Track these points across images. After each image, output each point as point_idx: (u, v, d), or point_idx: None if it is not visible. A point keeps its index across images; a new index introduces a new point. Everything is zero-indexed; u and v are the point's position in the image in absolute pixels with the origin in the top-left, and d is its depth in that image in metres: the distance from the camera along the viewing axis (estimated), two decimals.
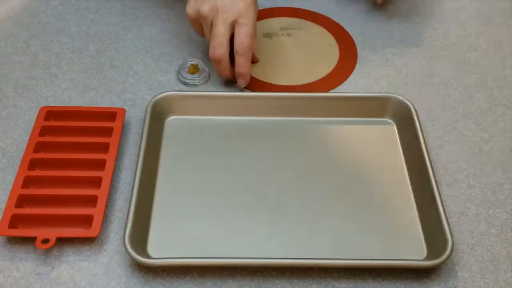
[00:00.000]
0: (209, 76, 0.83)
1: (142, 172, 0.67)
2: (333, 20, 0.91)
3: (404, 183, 0.70)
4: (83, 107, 0.78)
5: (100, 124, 0.74)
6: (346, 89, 0.81)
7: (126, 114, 0.76)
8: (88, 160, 0.70)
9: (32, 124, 0.74)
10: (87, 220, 0.64)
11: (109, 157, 0.70)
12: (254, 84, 0.81)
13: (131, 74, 0.83)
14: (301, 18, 0.91)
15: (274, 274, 0.63)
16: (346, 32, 0.90)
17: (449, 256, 0.61)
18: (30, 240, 0.64)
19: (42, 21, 0.91)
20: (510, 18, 0.95)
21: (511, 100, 0.82)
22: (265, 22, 0.90)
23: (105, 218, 0.67)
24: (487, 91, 0.83)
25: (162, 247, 0.64)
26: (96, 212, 0.65)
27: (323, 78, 0.82)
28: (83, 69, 0.84)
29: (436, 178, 0.68)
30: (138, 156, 0.69)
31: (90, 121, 0.75)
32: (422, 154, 0.70)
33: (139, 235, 0.64)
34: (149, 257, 0.62)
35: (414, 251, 0.64)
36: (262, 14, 0.90)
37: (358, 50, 0.87)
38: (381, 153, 0.74)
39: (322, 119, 0.77)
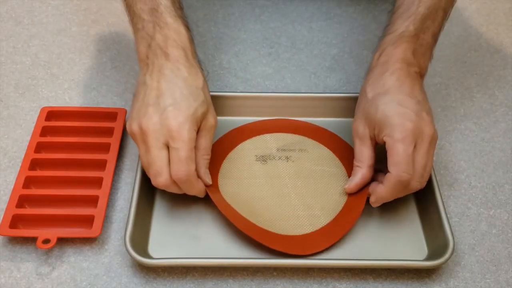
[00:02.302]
0: (210, 76, 0.83)
1: (143, 172, 0.67)
2: (339, 137, 0.75)
3: None
4: (84, 107, 0.78)
5: (101, 125, 0.74)
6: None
7: (127, 114, 0.76)
8: (89, 160, 0.70)
9: (33, 124, 0.74)
10: (88, 220, 0.64)
11: (110, 157, 0.70)
12: (240, 230, 0.65)
13: (132, 74, 0.83)
14: (302, 134, 0.75)
15: (275, 274, 0.63)
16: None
17: (450, 257, 0.61)
18: (31, 240, 0.64)
19: (43, 21, 0.91)
20: (510, 18, 0.95)
21: (511, 100, 0.82)
22: (259, 140, 0.75)
23: (106, 218, 0.67)
24: (487, 91, 0.83)
25: (163, 248, 0.64)
26: (97, 212, 0.65)
27: (329, 225, 0.66)
28: (84, 69, 0.84)
29: (437, 178, 0.68)
30: (139, 156, 0.69)
31: (91, 121, 0.75)
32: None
33: (140, 236, 0.64)
34: (149, 257, 0.62)
35: (415, 252, 0.64)
36: (256, 128, 0.76)
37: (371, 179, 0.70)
38: (381, 153, 0.74)
39: (322, 119, 0.77)
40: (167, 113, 0.61)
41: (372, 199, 0.65)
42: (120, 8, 0.93)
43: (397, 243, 0.65)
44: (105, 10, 0.94)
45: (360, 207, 0.66)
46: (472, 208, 0.69)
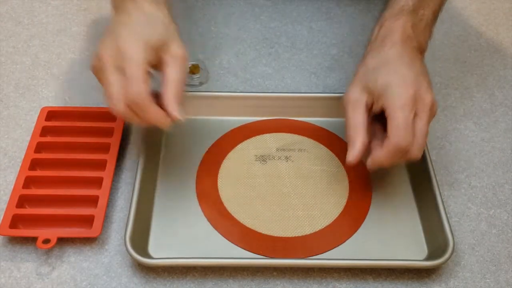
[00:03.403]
0: (210, 76, 0.83)
1: (143, 172, 0.68)
2: (339, 137, 0.75)
3: (404, 183, 0.70)
4: (84, 107, 0.78)
5: (101, 125, 0.74)
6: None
7: None
8: (89, 160, 0.70)
9: (33, 124, 0.74)
10: (88, 220, 0.64)
11: (110, 157, 0.70)
12: (239, 235, 0.65)
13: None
14: (302, 134, 0.75)
15: (275, 274, 0.63)
16: None
17: (450, 257, 0.61)
18: (31, 240, 0.64)
19: (43, 21, 0.91)
20: (510, 18, 0.95)
21: (511, 100, 0.82)
22: (259, 140, 0.75)
23: (106, 218, 0.67)
24: (487, 91, 0.83)
25: (163, 247, 0.64)
26: (97, 212, 0.65)
27: (329, 227, 0.66)
28: (84, 69, 0.84)
29: (437, 178, 0.68)
30: (139, 156, 0.69)
31: (91, 122, 0.75)
32: (423, 154, 0.70)
33: (140, 235, 0.64)
34: (150, 257, 0.62)
35: (415, 251, 0.64)
36: (256, 128, 0.76)
37: (371, 179, 0.71)
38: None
39: (322, 119, 0.77)
40: (120, 37, 0.60)
41: (368, 162, 0.63)
42: None
43: (397, 243, 0.65)
44: (105, 10, 0.94)
45: (363, 214, 0.67)
46: (472, 208, 0.69)
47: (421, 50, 0.68)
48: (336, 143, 0.74)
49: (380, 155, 0.62)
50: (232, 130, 0.76)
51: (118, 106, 0.59)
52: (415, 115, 0.61)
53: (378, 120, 0.64)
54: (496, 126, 0.78)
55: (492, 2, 0.97)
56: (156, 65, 0.61)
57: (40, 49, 0.87)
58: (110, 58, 0.59)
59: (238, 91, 0.81)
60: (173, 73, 0.61)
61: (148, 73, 0.59)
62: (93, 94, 0.80)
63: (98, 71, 0.61)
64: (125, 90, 0.58)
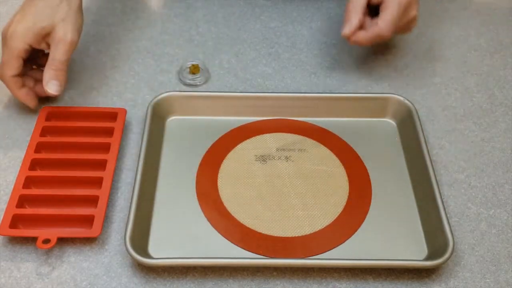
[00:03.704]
0: (210, 76, 0.83)
1: (143, 172, 0.68)
2: (339, 137, 0.75)
3: (404, 183, 0.70)
4: (84, 107, 0.78)
5: (101, 125, 0.74)
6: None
7: (127, 115, 0.76)
8: (89, 160, 0.70)
9: (33, 124, 0.74)
10: (88, 220, 0.64)
11: (110, 157, 0.70)
12: (239, 235, 0.65)
13: (132, 74, 0.83)
14: (302, 134, 0.75)
15: (275, 274, 0.63)
16: (354, 152, 0.74)
17: (450, 256, 0.61)
18: (31, 240, 0.64)
19: None
20: (510, 18, 0.95)
21: (511, 100, 0.82)
22: (259, 140, 0.75)
23: (106, 218, 0.67)
24: (487, 91, 0.83)
25: (163, 247, 0.64)
26: (97, 212, 0.65)
27: (329, 226, 0.66)
28: (84, 69, 0.84)
29: (437, 178, 0.68)
30: (139, 156, 0.69)
31: (91, 122, 0.75)
32: (422, 154, 0.70)
33: (140, 235, 0.64)
34: (150, 257, 0.62)
35: (414, 251, 0.64)
36: (256, 128, 0.76)
37: (371, 179, 0.71)
38: (381, 154, 0.74)
39: (322, 119, 0.77)
40: (10, 22, 0.73)
41: (346, 31, 0.76)
42: (120, 8, 0.94)
43: (397, 243, 0.65)
44: (105, 10, 0.94)
45: (363, 214, 0.67)
46: (472, 208, 0.69)
47: None
48: (336, 143, 0.74)
49: (362, 36, 0.75)
50: (232, 130, 0.76)
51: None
52: (405, 9, 0.75)
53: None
54: (496, 126, 0.78)
55: (492, 2, 0.97)
56: (43, 45, 0.73)
57: None
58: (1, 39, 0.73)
59: (238, 91, 0.81)
60: (54, 54, 0.72)
61: (27, 52, 0.72)
62: (93, 94, 0.81)
63: None
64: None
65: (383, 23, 0.74)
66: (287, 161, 0.72)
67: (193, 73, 0.82)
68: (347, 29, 0.75)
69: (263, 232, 0.65)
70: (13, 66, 0.71)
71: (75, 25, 0.73)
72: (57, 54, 0.72)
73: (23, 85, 0.74)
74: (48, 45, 0.73)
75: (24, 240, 0.65)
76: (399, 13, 0.75)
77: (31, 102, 0.75)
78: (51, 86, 0.72)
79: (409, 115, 0.75)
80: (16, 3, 0.94)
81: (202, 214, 0.67)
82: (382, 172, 0.71)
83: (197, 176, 0.70)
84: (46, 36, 0.72)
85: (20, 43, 0.71)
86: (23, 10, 0.73)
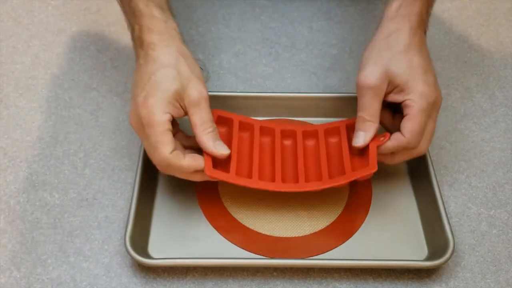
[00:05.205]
0: (210, 76, 0.83)
1: (143, 172, 0.67)
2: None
3: (405, 183, 0.70)
4: None
5: None
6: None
7: (127, 115, 0.76)
8: None
9: (33, 124, 0.74)
10: None
11: None
12: (239, 236, 0.65)
13: (132, 74, 0.83)
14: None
15: (275, 275, 0.63)
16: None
17: (450, 257, 0.61)
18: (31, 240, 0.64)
19: (43, 21, 0.91)
20: (510, 18, 0.95)
21: (511, 101, 0.82)
22: None
23: (106, 218, 0.66)
24: (488, 91, 0.83)
25: (163, 248, 0.64)
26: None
27: (329, 226, 0.66)
28: (84, 69, 0.84)
29: (437, 179, 0.68)
30: (139, 156, 0.69)
31: None
32: (423, 154, 0.70)
33: (140, 236, 0.64)
34: (149, 257, 0.62)
35: (415, 252, 0.64)
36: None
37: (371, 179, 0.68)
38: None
39: (322, 119, 0.77)
40: (137, 103, 0.61)
41: (359, 141, 0.65)
42: (120, 8, 0.94)
43: (397, 243, 0.65)
44: (105, 10, 0.94)
45: (363, 214, 0.67)
46: (472, 208, 0.69)
47: (425, 32, 0.69)
48: None
49: (389, 147, 0.64)
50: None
51: (159, 168, 0.63)
52: (429, 116, 0.63)
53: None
54: (496, 126, 0.78)
55: (492, 2, 0.97)
56: (181, 112, 0.63)
57: (40, 49, 0.87)
58: (136, 125, 0.62)
59: (238, 91, 0.81)
60: (196, 119, 0.62)
61: (174, 123, 0.62)
62: (93, 94, 0.80)
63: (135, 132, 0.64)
64: (152, 156, 0.62)
65: (407, 135, 0.63)
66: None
67: None
68: (362, 141, 0.65)
69: (263, 232, 0.65)
70: (166, 141, 0.60)
71: (201, 78, 0.64)
72: (203, 116, 0.62)
73: (183, 155, 0.62)
74: (183, 110, 0.63)
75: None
76: (425, 117, 0.63)
77: (200, 164, 0.62)
78: (222, 147, 0.63)
79: None
80: (16, 3, 0.94)
81: (202, 214, 0.67)
82: (382, 172, 0.71)
83: None
84: (180, 100, 0.62)
85: (162, 114, 0.60)
86: (143, 90, 0.62)
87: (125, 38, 0.89)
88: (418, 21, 0.65)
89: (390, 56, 0.64)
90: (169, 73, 0.62)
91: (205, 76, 0.82)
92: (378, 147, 0.64)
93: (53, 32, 0.90)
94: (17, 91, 0.81)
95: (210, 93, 0.71)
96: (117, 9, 0.93)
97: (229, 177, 0.63)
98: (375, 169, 0.63)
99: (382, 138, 0.64)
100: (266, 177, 0.65)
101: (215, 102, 0.77)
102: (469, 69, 0.86)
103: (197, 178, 0.63)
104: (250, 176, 0.64)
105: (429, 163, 0.69)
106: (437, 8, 0.95)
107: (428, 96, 0.62)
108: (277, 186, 0.64)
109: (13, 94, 0.80)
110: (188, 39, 0.89)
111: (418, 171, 0.70)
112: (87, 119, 0.77)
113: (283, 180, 0.65)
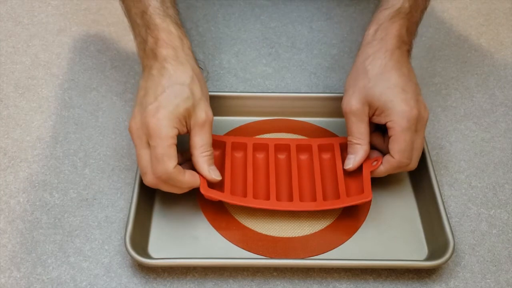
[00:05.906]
0: (210, 76, 0.83)
1: None
2: (338, 137, 0.75)
3: (405, 183, 0.70)
4: None
5: None
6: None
7: (127, 115, 0.76)
8: None
9: (33, 124, 0.74)
10: None
11: None
12: (239, 236, 0.65)
13: (132, 74, 0.83)
14: (302, 134, 0.76)
15: (275, 275, 0.63)
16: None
17: (450, 257, 0.61)
18: (31, 240, 0.64)
19: (42, 21, 0.91)
20: (510, 18, 0.95)
21: (511, 100, 0.82)
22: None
23: (106, 218, 0.66)
24: (488, 91, 0.83)
25: (163, 248, 0.64)
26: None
27: (329, 226, 0.66)
28: (84, 69, 0.84)
29: (437, 179, 0.68)
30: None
31: None
32: (423, 154, 0.70)
33: (140, 236, 0.64)
34: (150, 257, 0.62)
35: (415, 252, 0.64)
36: (256, 128, 0.76)
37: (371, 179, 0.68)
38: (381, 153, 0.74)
39: (322, 119, 0.77)
40: (147, 111, 0.61)
41: (350, 164, 0.67)
42: (120, 8, 0.93)
43: (397, 243, 0.65)
44: (105, 10, 0.94)
45: (363, 214, 0.67)
46: (472, 208, 0.69)
47: (409, 52, 0.69)
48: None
49: (382, 170, 0.66)
50: (232, 130, 0.76)
51: (149, 179, 0.62)
52: (415, 132, 0.64)
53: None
54: (497, 126, 0.78)
55: (492, 2, 0.97)
56: (184, 130, 0.63)
57: (40, 49, 0.87)
58: (138, 132, 0.61)
59: (238, 91, 0.81)
60: (198, 140, 0.63)
61: (176, 138, 0.62)
62: (93, 94, 0.80)
63: (133, 140, 0.63)
64: (154, 167, 0.61)
65: (396, 155, 0.64)
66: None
67: None
68: (352, 164, 0.67)
69: (263, 232, 0.65)
70: (172, 155, 0.60)
71: (208, 100, 0.66)
72: (204, 138, 0.63)
73: (184, 171, 0.63)
74: (187, 129, 0.63)
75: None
76: (410, 134, 0.64)
77: (197, 182, 0.63)
78: (215, 172, 0.64)
79: None
80: (16, 3, 0.94)
81: (202, 214, 0.67)
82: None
83: None
84: (188, 118, 0.62)
85: (171, 128, 0.61)
86: (156, 100, 0.61)
87: (125, 38, 0.89)
88: (396, 42, 0.66)
89: (367, 81, 0.65)
90: (183, 91, 0.62)
91: (205, 76, 0.82)
92: (371, 172, 0.66)
93: (53, 32, 0.90)
94: (17, 91, 0.81)
95: (210, 93, 0.72)
96: (117, 9, 0.93)
97: (224, 196, 0.64)
98: (370, 197, 0.64)
99: (374, 163, 0.66)
100: (261, 195, 0.67)
101: (215, 102, 0.77)
102: (469, 69, 0.86)
103: (185, 191, 0.64)
104: (244, 194, 0.66)
105: (429, 163, 0.69)
106: (437, 8, 0.96)
107: (408, 114, 0.63)
108: (272, 205, 0.65)
109: (13, 94, 0.80)
110: None
111: (418, 171, 0.70)
112: (87, 119, 0.77)
113: (278, 198, 0.66)
